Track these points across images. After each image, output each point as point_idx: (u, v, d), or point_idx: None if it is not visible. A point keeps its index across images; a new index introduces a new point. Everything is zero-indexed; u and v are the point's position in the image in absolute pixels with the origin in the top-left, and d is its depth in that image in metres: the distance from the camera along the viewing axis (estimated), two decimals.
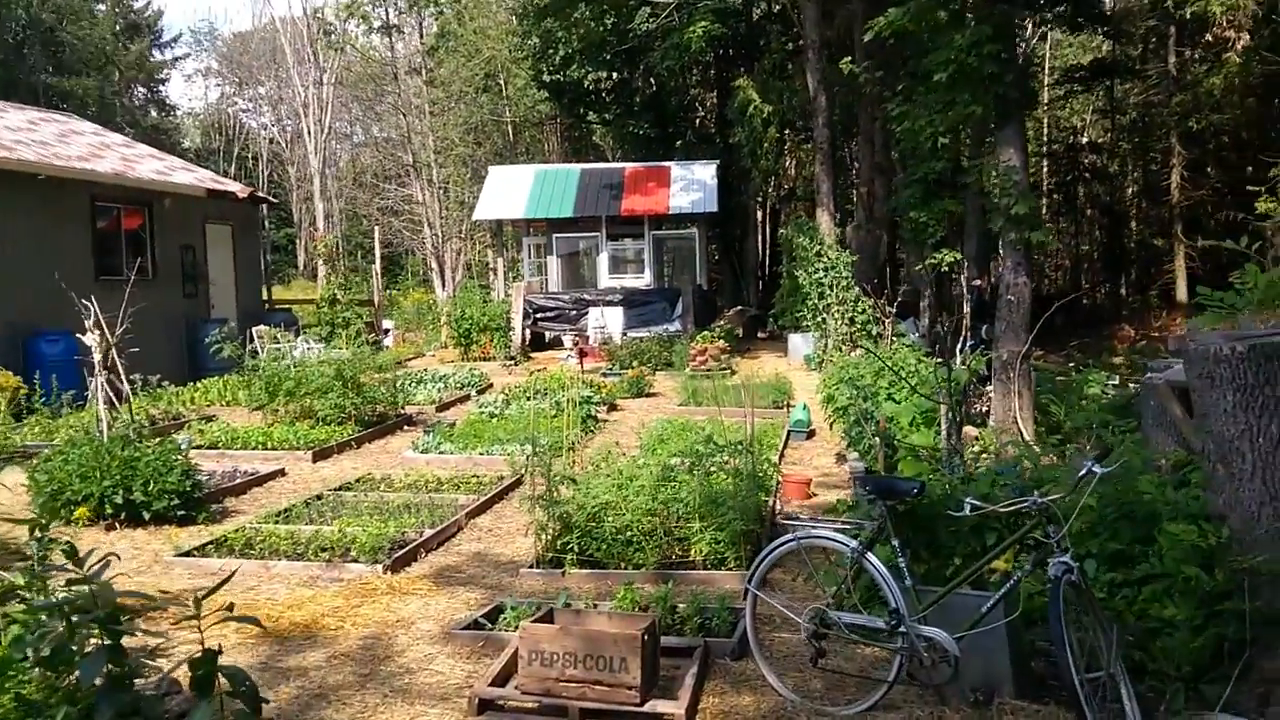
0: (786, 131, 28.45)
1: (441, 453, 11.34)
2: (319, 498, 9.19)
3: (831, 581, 5.07)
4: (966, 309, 8.80)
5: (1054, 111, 37.99)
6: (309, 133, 46.90)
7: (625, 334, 22.23)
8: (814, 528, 4.89)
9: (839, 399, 10.09)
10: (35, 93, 44.52)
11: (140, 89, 59.59)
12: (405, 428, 13.35)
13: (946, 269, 17.62)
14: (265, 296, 23.06)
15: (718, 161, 26.59)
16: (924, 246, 17.80)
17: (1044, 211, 42.67)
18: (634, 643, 4.60)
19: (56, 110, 21.18)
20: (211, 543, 7.54)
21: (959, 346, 8.23)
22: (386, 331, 25.91)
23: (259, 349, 14.56)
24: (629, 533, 6.95)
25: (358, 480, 9.98)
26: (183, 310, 17.88)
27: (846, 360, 10.85)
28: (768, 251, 38.18)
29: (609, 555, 6.88)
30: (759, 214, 35.56)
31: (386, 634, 5.80)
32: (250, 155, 59.58)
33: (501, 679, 4.91)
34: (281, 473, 10.60)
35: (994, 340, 11.39)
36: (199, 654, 3.62)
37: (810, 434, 12.55)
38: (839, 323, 17.28)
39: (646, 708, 4.61)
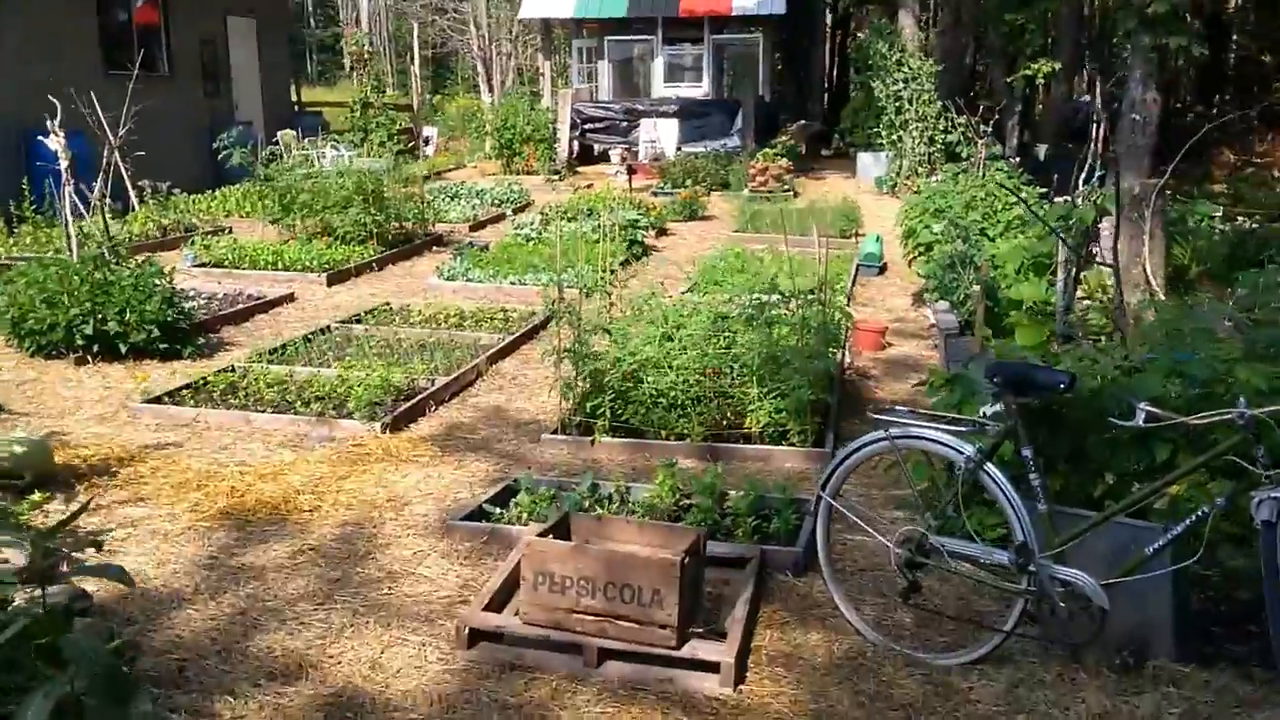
0: None
1: (469, 280, 10.18)
2: (325, 330, 8.11)
3: (934, 498, 3.88)
4: (1096, 132, 7.30)
5: None
6: None
7: (679, 149, 20.59)
8: (912, 424, 3.63)
9: (922, 233, 8.69)
10: None
11: None
12: (434, 249, 12.17)
13: (1042, 81, 15.68)
14: (295, 98, 21.60)
15: None
16: (1017, 56, 15.82)
17: None
18: (670, 571, 3.48)
19: None
20: (189, 386, 6.49)
21: (1080, 176, 6.74)
22: (427, 140, 24.42)
23: (283, 155, 13.32)
24: (672, 394, 5.78)
25: (372, 311, 8.87)
26: (204, 110, 16.55)
27: (929, 186, 9.37)
28: (835, 62, 35.60)
29: (647, 422, 5.74)
30: (827, 20, 32.84)
31: (371, 519, 4.76)
32: None
33: (501, 599, 3.85)
34: (290, 298, 9.52)
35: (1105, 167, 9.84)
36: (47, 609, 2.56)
37: (882, 269, 11.18)
38: (917, 141, 15.54)
39: (684, 651, 3.54)
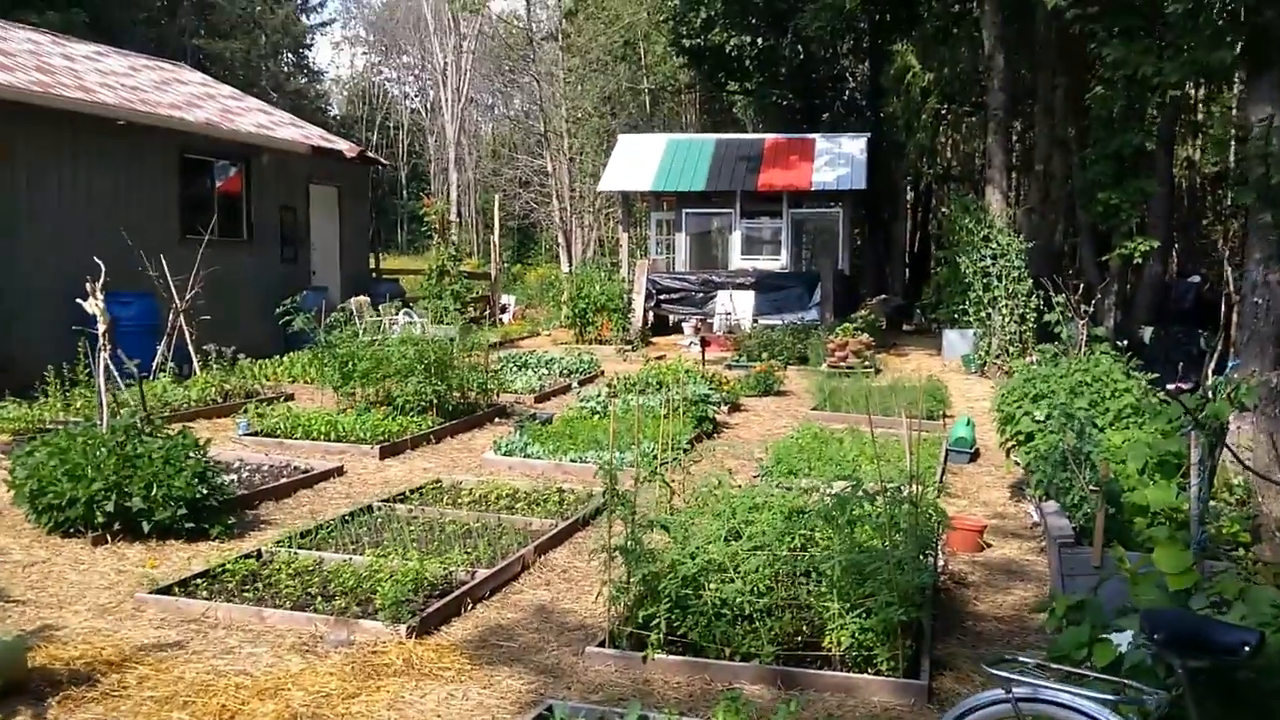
0: (946, 105, 25.75)
1: (527, 455, 9.58)
2: (368, 510, 7.51)
3: None
4: (1227, 316, 6.57)
5: None
6: (446, 101, 46.14)
7: (755, 321, 20.17)
8: (1041, 684, 2.82)
9: (1022, 420, 7.89)
10: (185, 55, 44.90)
11: (287, 54, 60.21)
12: (495, 420, 11.66)
13: (1139, 260, 14.98)
14: (373, 264, 21.82)
15: (868, 135, 24.17)
16: (1113, 234, 15.18)
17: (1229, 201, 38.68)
18: None
19: (168, 60, 20.27)
20: (204, 574, 5.89)
21: (1209, 365, 5.98)
22: (504, 307, 24.48)
23: (350, 320, 13.13)
24: (739, 604, 5.00)
25: (421, 489, 8.29)
26: (280, 276, 16.61)
27: (1027, 368, 8.62)
28: (917, 237, 35.44)
29: (709, 636, 4.94)
30: (908, 195, 32.82)
31: None
32: (392, 124, 59.67)
33: None
34: (339, 471, 9.00)
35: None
36: None
37: (974, 456, 10.35)
38: (1007, 319, 14.84)
39: None
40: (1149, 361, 9.54)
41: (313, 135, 18.97)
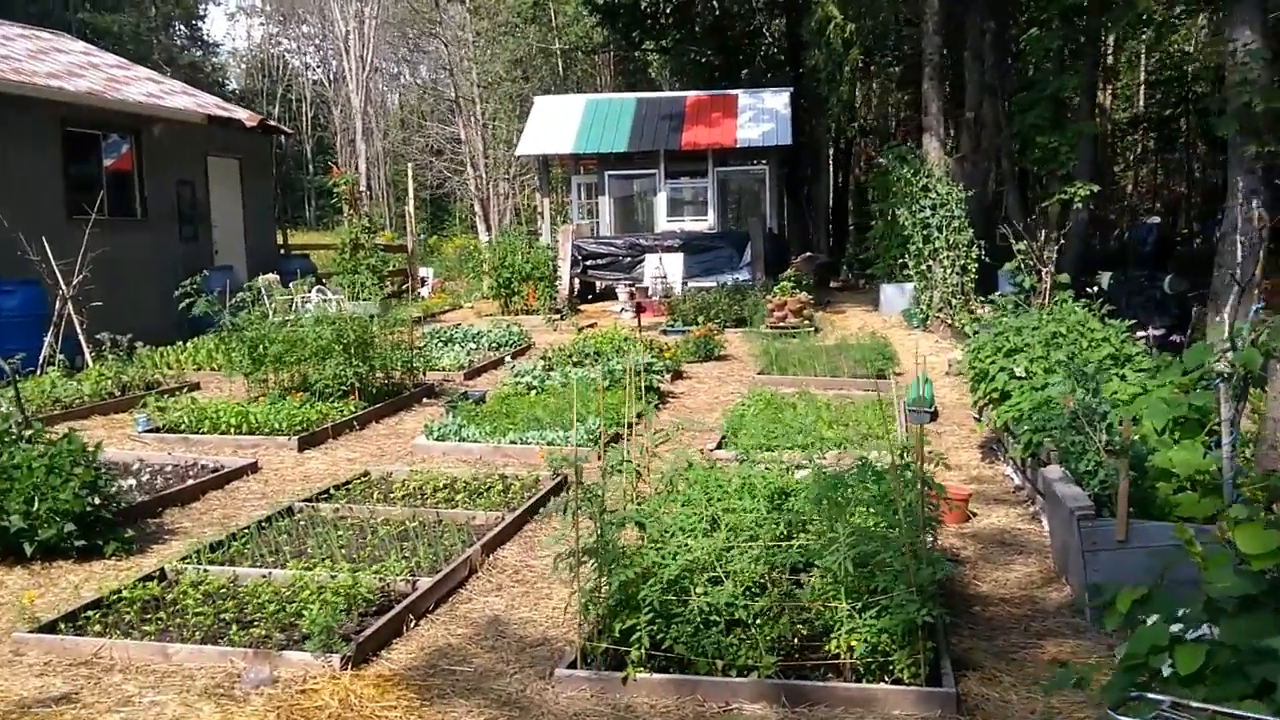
0: (869, 56, 25.24)
1: (462, 439, 8.78)
2: (288, 512, 6.67)
3: None
4: (1219, 260, 6.10)
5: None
6: (351, 70, 44.40)
7: (685, 284, 19.50)
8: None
9: (998, 378, 7.35)
10: (70, 30, 42.44)
11: (179, 26, 57.55)
12: (424, 401, 10.82)
13: (1079, 205, 14.62)
14: (281, 240, 20.61)
15: (790, 89, 23.58)
16: (1049, 180, 14.81)
17: (1139, 148, 39.07)
18: None
19: (46, 29, 18.72)
20: (97, 604, 5.01)
21: (1233, 308, 5.44)
22: (423, 280, 23.44)
23: (260, 301, 12.09)
24: (731, 610, 4.33)
25: (347, 484, 7.45)
26: (179, 256, 15.43)
27: (998, 320, 8.09)
28: (836, 193, 35.14)
29: (698, 649, 4.25)
30: (829, 151, 32.39)
31: None
32: (294, 97, 57.52)
33: None
34: (253, 468, 8.11)
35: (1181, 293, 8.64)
36: None
37: (933, 415, 9.82)
38: (948, 271, 14.37)
39: None
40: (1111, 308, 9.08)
41: (208, 104, 17.69)
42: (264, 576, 5.36)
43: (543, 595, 5.41)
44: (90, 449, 6.20)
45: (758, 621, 4.33)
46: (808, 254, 24.84)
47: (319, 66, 57.54)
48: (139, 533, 6.36)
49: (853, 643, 4.14)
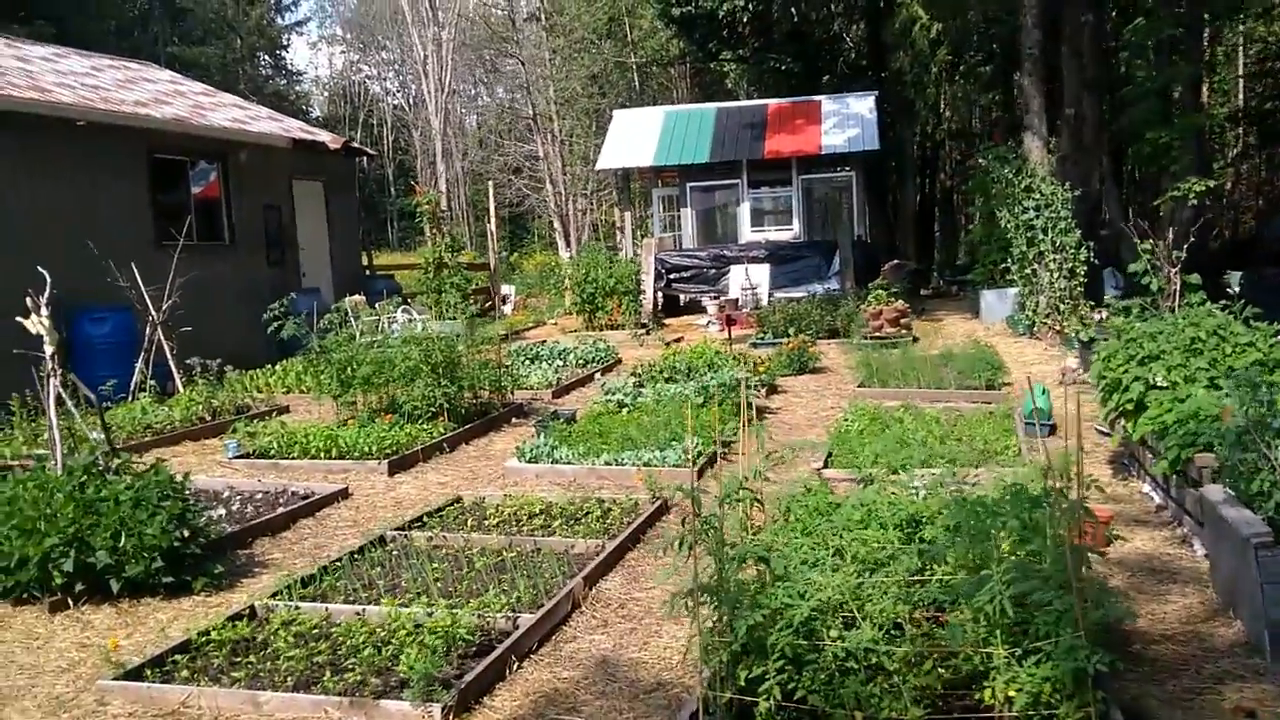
0: (957, 56, 24.49)
1: (555, 461, 8.45)
2: (380, 542, 6.39)
3: None
4: None
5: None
6: (430, 93, 44.82)
7: (772, 294, 19.02)
8: None
9: (1133, 388, 6.77)
10: (159, 63, 43.64)
11: (264, 56, 58.86)
12: (513, 421, 10.54)
13: (1194, 202, 13.83)
14: (366, 262, 20.63)
15: (875, 93, 22.98)
16: (1162, 175, 14.03)
17: (1240, 144, 37.39)
18: None
19: (133, 59, 19.03)
20: (183, 647, 4.75)
21: None
22: (505, 298, 23.34)
23: (346, 322, 11.97)
24: (871, 655, 3.88)
25: (439, 510, 7.16)
26: (266, 279, 15.44)
27: (1128, 327, 7.49)
28: (925, 198, 34.26)
29: (835, 700, 3.81)
30: (915, 157, 31.60)
31: None
32: (375, 121, 58.39)
33: None
34: (344, 494, 7.87)
35: None
36: None
37: (1052, 428, 9.23)
38: (1055, 275, 13.65)
39: None
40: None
41: (292, 128, 17.77)
42: (358, 614, 5.06)
43: (651, 633, 5.02)
44: (179, 480, 5.99)
45: (900, 668, 3.87)
46: (895, 261, 24.16)
47: (399, 91, 58.44)
48: (228, 565, 6.13)
49: (1011, 693, 3.66)
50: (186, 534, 5.73)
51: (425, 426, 9.57)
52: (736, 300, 17.97)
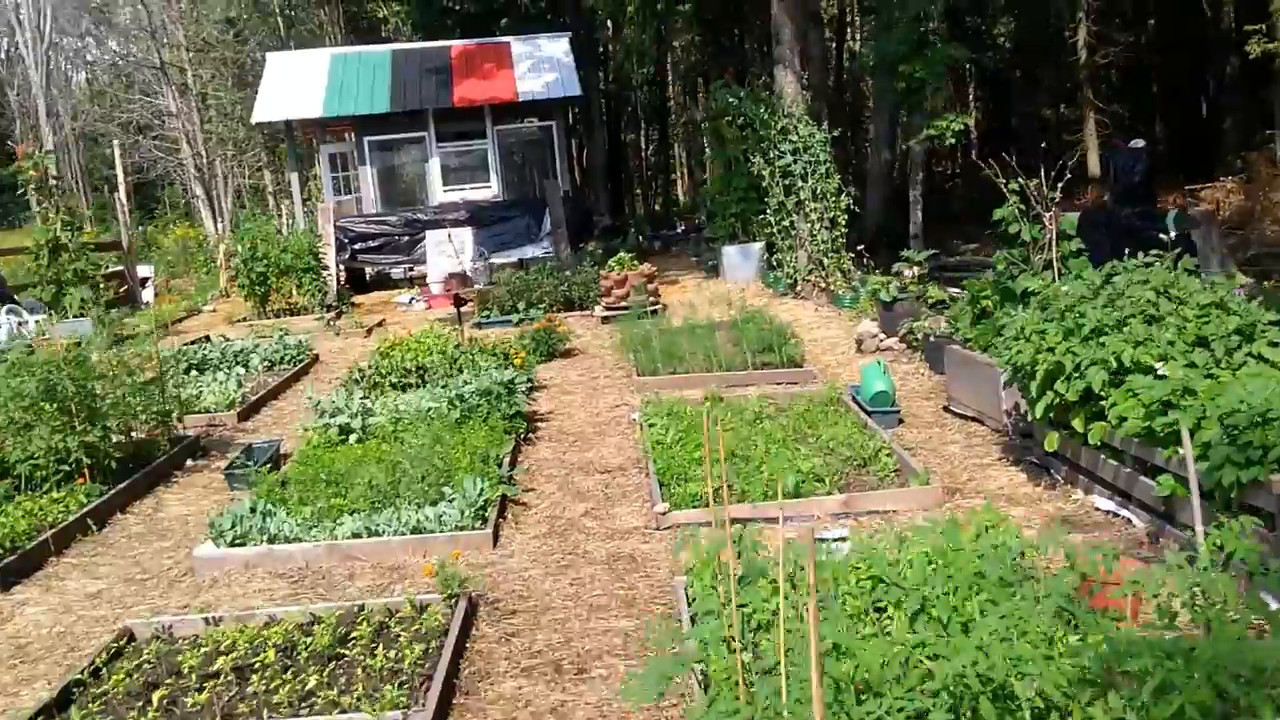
0: None
1: (272, 540, 5.66)
2: None
3: None
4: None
5: None
6: (28, 45, 37.68)
7: (474, 262, 16.53)
8: None
9: (1089, 372, 5.09)
10: None
11: None
12: (188, 465, 7.53)
13: (952, 141, 12.84)
14: None
15: (569, 34, 20.91)
16: (915, 113, 12.92)
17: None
18: None
19: None
20: None
21: None
22: (144, 281, 19.14)
23: None
24: None
25: (96, 669, 4.26)
26: None
27: (1042, 288, 5.86)
28: (613, 149, 32.78)
29: None
30: (602, 105, 29.90)
31: None
32: None
33: None
34: None
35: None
36: None
37: (900, 418, 7.57)
38: (816, 226, 12.17)
39: None
40: (1093, 255, 7.06)
41: None
42: None
43: None
44: None
45: None
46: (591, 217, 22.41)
47: None
48: None
49: None
50: None
51: (58, 497, 6.39)
52: (465, 270, 15.33)
